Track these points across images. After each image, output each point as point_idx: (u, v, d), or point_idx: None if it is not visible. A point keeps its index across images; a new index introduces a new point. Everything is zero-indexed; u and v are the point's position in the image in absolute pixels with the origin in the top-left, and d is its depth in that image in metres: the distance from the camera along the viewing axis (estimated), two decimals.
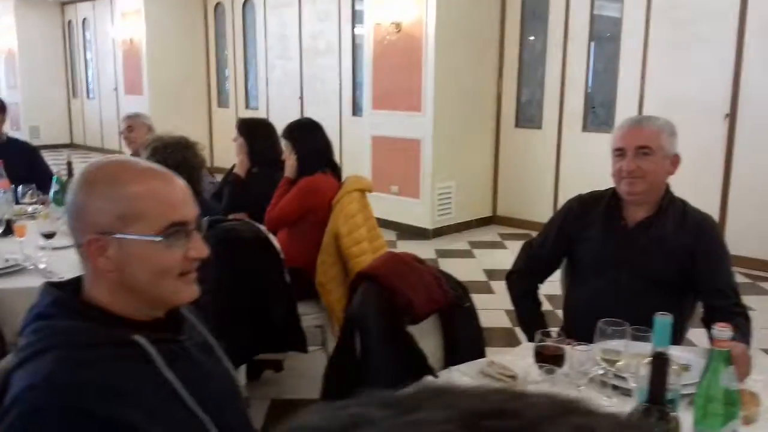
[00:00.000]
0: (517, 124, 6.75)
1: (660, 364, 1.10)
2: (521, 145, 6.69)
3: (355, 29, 7.78)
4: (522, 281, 2.37)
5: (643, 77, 5.81)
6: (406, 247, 6.11)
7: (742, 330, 1.88)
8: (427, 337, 1.80)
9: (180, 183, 1.16)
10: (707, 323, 2.02)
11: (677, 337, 2.13)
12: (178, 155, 2.43)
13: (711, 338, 1.42)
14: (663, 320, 1.30)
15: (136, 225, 1.08)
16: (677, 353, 1.81)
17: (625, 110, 5.82)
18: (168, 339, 1.13)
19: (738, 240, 5.47)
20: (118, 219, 1.07)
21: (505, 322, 4.25)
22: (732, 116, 5.41)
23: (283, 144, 3.18)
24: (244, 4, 9.29)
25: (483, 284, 4.92)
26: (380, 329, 1.64)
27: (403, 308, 1.67)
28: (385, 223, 6.61)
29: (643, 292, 2.08)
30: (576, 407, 0.34)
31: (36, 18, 12.45)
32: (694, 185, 5.52)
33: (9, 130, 13.22)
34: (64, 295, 1.08)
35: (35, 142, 12.06)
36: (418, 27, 6.10)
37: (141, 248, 1.08)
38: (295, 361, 3.40)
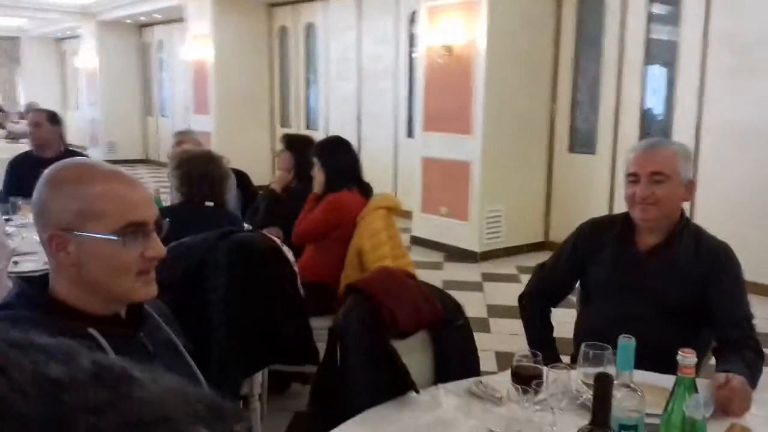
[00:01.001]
0: (571, 149, 6.64)
1: (603, 385, 1.08)
2: (575, 170, 6.57)
3: (412, 52, 7.88)
4: (533, 304, 2.34)
5: (700, 103, 5.63)
6: (452, 269, 6.09)
7: (750, 363, 1.80)
8: (415, 352, 1.81)
9: (142, 187, 1.22)
10: (717, 355, 1.95)
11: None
12: (201, 167, 2.54)
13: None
14: (626, 343, 1.28)
15: (94, 223, 1.14)
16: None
17: (681, 137, 5.64)
18: (124, 334, 1.19)
19: None
20: (78, 217, 1.14)
21: None
22: None
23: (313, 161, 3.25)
24: (307, 28, 9.56)
25: None
26: (362, 341, 1.66)
27: (386, 322, 1.68)
28: (433, 245, 6.63)
29: (653, 320, 2.02)
30: None
31: (116, 40, 13.18)
32: (756, 215, 5.30)
33: (89, 145, 13.88)
34: (28, 288, 1.16)
35: (111, 157, 12.80)
36: (468, 49, 6.13)
37: (98, 246, 1.14)
38: None
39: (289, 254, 2.47)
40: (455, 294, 5.33)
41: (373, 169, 8.19)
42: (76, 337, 1.13)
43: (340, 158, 3.21)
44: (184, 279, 2.17)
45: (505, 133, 6.30)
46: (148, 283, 1.21)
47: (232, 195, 3.75)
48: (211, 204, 2.62)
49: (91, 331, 1.12)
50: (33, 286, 1.17)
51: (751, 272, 5.35)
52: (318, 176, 3.20)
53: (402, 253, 3.18)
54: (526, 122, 6.50)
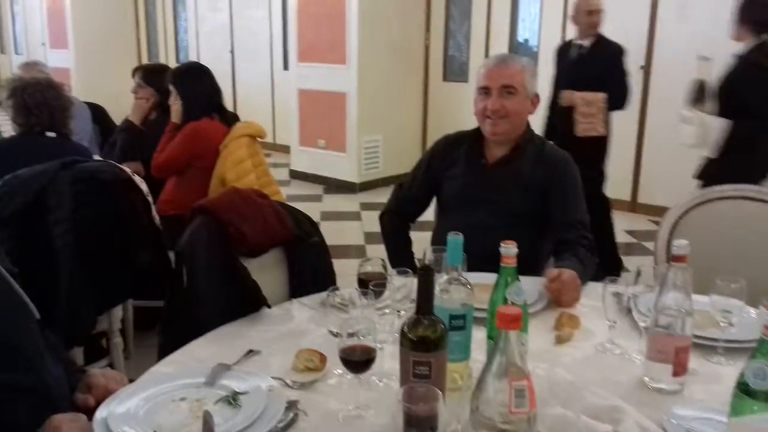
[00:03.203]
0: (445, 78, 6.75)
1: (425, 276, 1.13)
2: (449, 98, 6.69)
3: None
4: (393, 221, 2.40)
5: (564, 30, 5.84)
6: (332, 200, 6.12)
7: (582, 260, 1.93)
8: (268, 270, 1.81)
9: None
10: (555, 254, 2.08)
11: (536, 269, 2.17)
12: (37, 96, 2.36)
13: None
14: (454, 240, 1.33)
15: None
16: (527, 285, 1.85)
17: (547, 63, 5.86)
18: None
19: (650, 189, 5.63)
20: None
21: None
22: (647, 68, 5.50)
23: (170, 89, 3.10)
24: None
25: None
26: (209, 261, 1.63)
27: (235, 240, 1.66)
28: (312, 178, 6.61)
29: (502, 228, 2.09)
30: None
31: None
32: (613, 137, 5.64)
33: None
34: None
35: None
36: None
37: None
38: None
39: (142, 184, 2.37)
40: (333, 224, 5.40)
41: (249, 104, 8.01)
42: None
43: (197, 85, 3.08)
44: (22, 213, 2.04)
45: (380, 62, 6.29)
46: None
47: (84, 128, 3.53)
48: (52, 134, 2.44)
49: None
50: None
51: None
52: (175, 105, 3.06)
53: (269, 181, 3.13)
54: (401, 52, 6.51)
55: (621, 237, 5.05)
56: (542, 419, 1.08)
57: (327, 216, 5.47)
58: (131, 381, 1.34)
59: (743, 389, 1.04)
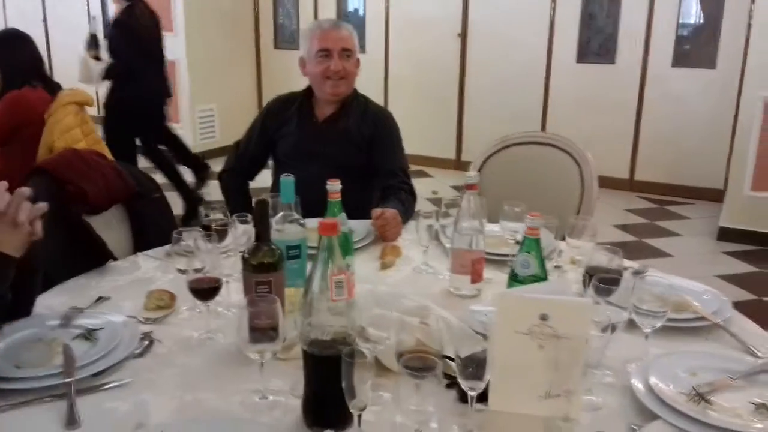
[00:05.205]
0: (276, 46, 6.83)
1: (260, 208, 1.31)
2: (282, 66, 6.78)
3: None
4: (232, 179, 2.53)
5: (387, 2, 6.15)
6: None
7: (404, 202, 2.21)
8: (112, 226, 1.89)
9: None
10: (381, 199, 2.34)
11: (366, 214, 2.41)
12: None
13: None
14: (286, 180, 1.51)
15: None
16: (359, 225, 2.05)
17: (373, 32, 6.17)
18: None
19: (472, 147, 6.15)
20: None
21: None
22: (463, 36, 5.97)
23: None
24: None
25: None
26: (51, 219, 1.68)
27: (76, 198, 1.72)
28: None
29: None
30: None
31: None
32: (436, 100, 6.09)
33: None
34: None
35: None
36: None
37: None
38: None
39: None
40: (169, 195, 5.39)
41: (69, 76, 7.49)
42: None
43: (17, 53, 2.97)
44: None
45: (209, 30, 6.24)
46: None
47: None
48: None
49: None
50: None
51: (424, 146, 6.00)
52: None
53: (101, 149, 3.10)
54: (230, 19, 6.49)
55: (448, 192, 5.52)
56: (364, 319, 1.31)
57: (163, 188, 5.39)
58: None
59: (513, 277, 1.35)
